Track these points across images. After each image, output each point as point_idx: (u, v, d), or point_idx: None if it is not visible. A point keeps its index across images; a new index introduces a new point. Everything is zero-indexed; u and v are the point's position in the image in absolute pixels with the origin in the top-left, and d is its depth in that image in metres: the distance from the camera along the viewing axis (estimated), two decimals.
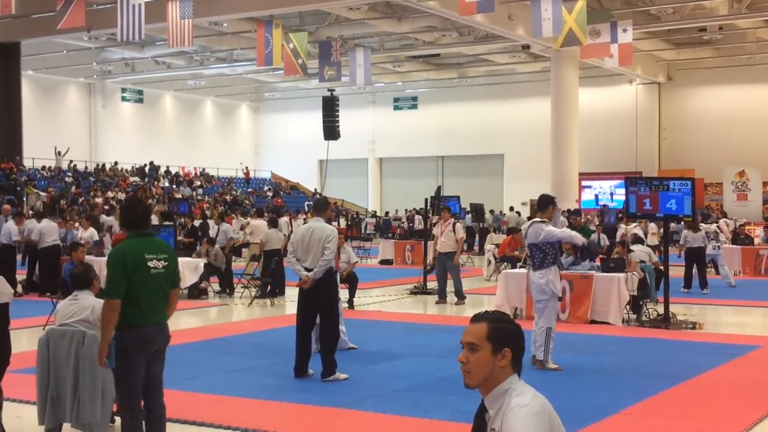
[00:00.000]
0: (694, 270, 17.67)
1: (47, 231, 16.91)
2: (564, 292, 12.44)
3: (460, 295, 15.75)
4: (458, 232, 15.71)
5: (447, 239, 15.70)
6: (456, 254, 15.69)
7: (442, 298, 15.94)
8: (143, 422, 5.57)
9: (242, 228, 23.97)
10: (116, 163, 42.55)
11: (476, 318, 3.12)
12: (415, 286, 17.70)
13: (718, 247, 18.90)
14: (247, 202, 41.74)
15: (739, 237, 22.49)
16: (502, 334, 3.04)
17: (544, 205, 9.56)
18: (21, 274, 17.46)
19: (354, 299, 14.85)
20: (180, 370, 8.72)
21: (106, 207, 31.05)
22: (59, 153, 39.66)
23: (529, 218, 9.82)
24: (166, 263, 5.60)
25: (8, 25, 31.44)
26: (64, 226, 18.52)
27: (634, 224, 20.76)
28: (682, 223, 17.61)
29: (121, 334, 5.42)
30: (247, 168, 49.42)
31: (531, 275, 9.52)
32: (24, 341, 10.19)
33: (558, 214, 9.81)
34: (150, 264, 5.48)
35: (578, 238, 9.66)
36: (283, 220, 24.96)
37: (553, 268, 9.31)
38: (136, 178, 41.22)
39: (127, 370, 5.44)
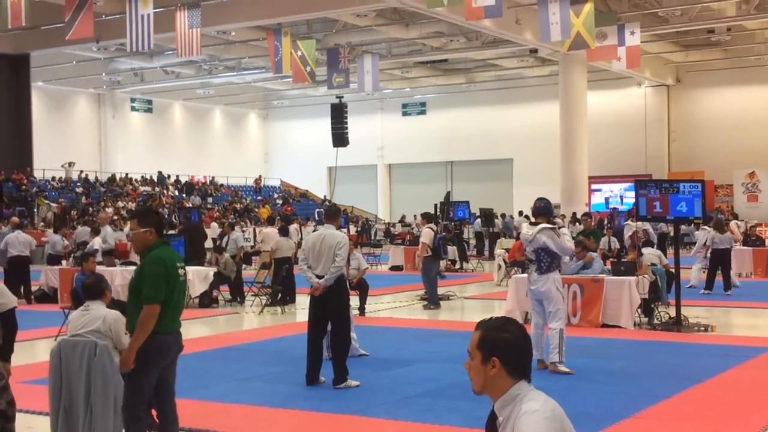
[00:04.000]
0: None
1: (12, 242, 17.32)
2: (575, 295, 12.59)
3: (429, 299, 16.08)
4: (422, 237, 15.90)
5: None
6: (420, 260, 15.95)
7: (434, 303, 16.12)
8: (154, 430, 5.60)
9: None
10: (127, 175, 42.71)
11: (476, 325, 3.14)
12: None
13: None
14: (257, 210, 41.79)
15: (750, 238, 22.39)
16: (491, 343, 3.02)
17: (551, 212, 9.81)
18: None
19: (365, 306, 14.85)
20: (190, 379, 8.73)
21: (115, 217, 31.14)
22: (69, 164, 39.85)
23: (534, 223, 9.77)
24: (185, 272, 5.75)
25: (18, 37, 31.63)
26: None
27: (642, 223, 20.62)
28: (693, 225, 17.50)
29: (145, 340, 5.48)
30: (259, 176, 49.53)
31: (536, 279, 9.41)
32: (36, 352, 10.21)
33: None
34: (180, 271, 5.61)
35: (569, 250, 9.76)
36: (293, 227, 24.97)
37: (558, 271, 9.50)
38: (147, 188, 41.33)
39: (143, 376, 5.50)
